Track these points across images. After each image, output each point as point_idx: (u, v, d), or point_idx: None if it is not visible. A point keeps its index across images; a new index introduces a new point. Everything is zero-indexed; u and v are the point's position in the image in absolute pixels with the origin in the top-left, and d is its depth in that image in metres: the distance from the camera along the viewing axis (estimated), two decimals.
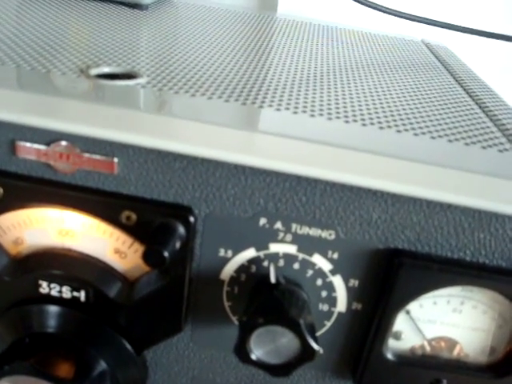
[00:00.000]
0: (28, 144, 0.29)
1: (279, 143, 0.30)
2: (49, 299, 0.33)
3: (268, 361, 0.30)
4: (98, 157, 0.29)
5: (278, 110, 0.35)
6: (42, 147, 0.29)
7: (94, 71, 0.36)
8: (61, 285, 0.32)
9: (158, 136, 0.28)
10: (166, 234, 0.29)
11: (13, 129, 0.29)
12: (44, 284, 0.32)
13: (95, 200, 0.30)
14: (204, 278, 0.32)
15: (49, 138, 0.29)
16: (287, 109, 0.35)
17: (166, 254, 0.28)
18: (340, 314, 0.32)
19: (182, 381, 0.36)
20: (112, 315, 0.33)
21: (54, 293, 0.33)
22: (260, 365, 0.30)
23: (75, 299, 0.32)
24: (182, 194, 0.30)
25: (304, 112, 0.35)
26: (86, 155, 0.29)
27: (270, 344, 0.29)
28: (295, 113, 0.34)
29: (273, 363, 0.30)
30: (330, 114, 0.35)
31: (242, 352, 0.29)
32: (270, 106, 0.35)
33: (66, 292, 0.32)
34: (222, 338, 0.34)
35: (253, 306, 0.30)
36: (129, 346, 0.33)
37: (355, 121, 0.35)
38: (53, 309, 0.33)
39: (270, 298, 0.29)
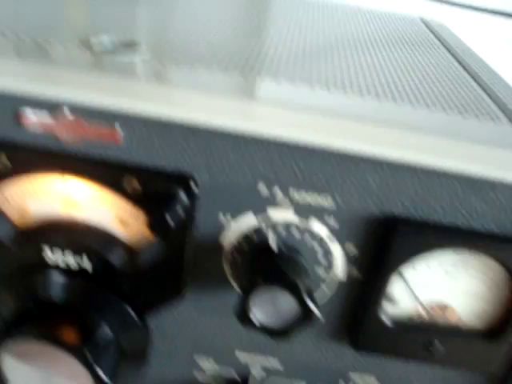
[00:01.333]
0: (33, 114, 0.30)
1: (278, 111, 0.30)
2: (54, 267, 0.34)
3: (268, 324, 0.31)
4: (101, 126, 0.30)
5: (277, 80, 0.35)
6: (46, 117, 0.30)
7: (95, 41, 0.36)
8: (65, 253, 0.33)
9: (159, 104, 0.29)
10: (169, 201, 0.30)
11: (17, 99, 0.30)
12: (49, 253, 0.33)
13: (99, 169, 0.31)
14: (205, 244, 0.33)
15: (53, 107, 0.30)
16: (286, 79, 0.36)
17: (169, 220, 0.29)
18: (337, 279, 0.33)
19: (183, 346, 0.37)
20: (115, 282, 0.34)
21: (58, 261, 0.33)
22: (261, 328, 0.31)
23: (80, 267, 0.33)
24: (184, 161, 0.31)
25: (302, 82, 0.35)
26: (90, 125, 0.30)
27: (270, 307, 0.30)
28: (293, 83, 0.35)
29: (273, 327, 0.31)
30: (328, 85, 0.36)
31: (242, 316, 0.30)
32: (269, 75, 0.36)
33: (71, 260, 0.33)
34: (223, 303, 0.35)
35: (252, 270, 0.31)
36: (132, 312, 0.34)
37: (353, 92, 0.36)
38: (58, 277, 0.33)
39: (269, 262, 0.30)
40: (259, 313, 0.30)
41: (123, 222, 0.33)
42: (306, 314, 0.30)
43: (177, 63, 0.35)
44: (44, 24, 0.39)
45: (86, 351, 0.31)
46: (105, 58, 0.34)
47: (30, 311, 0.34)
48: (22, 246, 0.33)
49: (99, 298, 0.34)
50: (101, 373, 0.32)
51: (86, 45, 0.36)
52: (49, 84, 0.29)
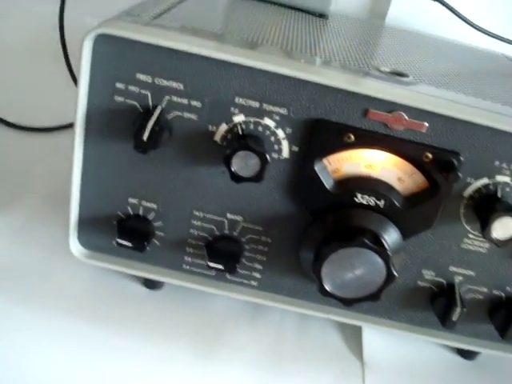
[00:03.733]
0: (375, 111, 0.51)
1: None
2: (359, 205, 0.54)
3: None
4: (413, 121, 0.51)
5: None
6: (383, 114, 0.51)
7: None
8: (369, 196, 0.54)
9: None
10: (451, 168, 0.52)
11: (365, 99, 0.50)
12: (359, 195, 0.54)
13: (402, 145, 0.52)
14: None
15: (390, 109, 0.51)
16: None
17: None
18: None
19: (416, 261, 0.58)
20: (394, 216, 0.55)
21: (363, 201, 0.54)
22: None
23: (377, 205, 0.54)
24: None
25: None
26: (408, 119, 0.51)
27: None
28: None
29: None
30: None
31: None
32: None
33: (371, 201, 0.54)
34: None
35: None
36: (399, 234, 0.55)
37: None
38: (362, 211, 0.54)
39: None
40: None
41: (400, 180, 0.54)
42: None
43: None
44: None
45: (387, 251, 0.52)
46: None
47: (339, 232, 0.54)
48: (338, 192, 0.54)
49: (384, 223, 0.54)
50: (393, 268, 0.52)
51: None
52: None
